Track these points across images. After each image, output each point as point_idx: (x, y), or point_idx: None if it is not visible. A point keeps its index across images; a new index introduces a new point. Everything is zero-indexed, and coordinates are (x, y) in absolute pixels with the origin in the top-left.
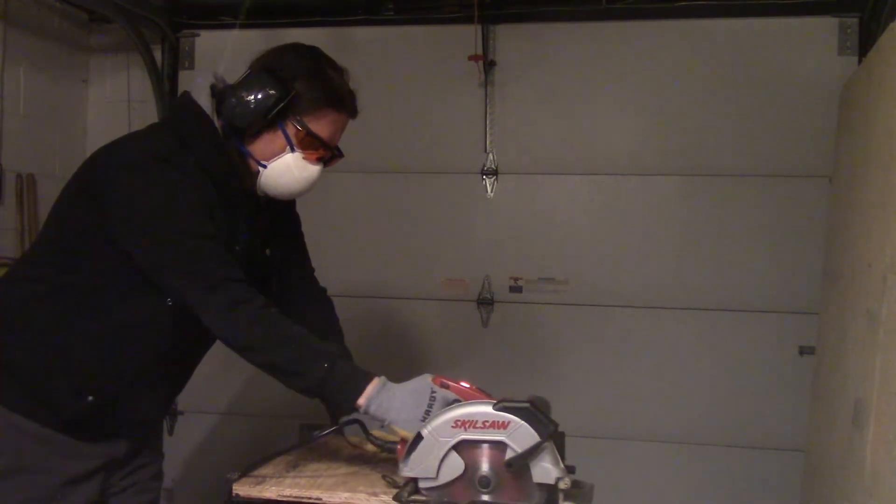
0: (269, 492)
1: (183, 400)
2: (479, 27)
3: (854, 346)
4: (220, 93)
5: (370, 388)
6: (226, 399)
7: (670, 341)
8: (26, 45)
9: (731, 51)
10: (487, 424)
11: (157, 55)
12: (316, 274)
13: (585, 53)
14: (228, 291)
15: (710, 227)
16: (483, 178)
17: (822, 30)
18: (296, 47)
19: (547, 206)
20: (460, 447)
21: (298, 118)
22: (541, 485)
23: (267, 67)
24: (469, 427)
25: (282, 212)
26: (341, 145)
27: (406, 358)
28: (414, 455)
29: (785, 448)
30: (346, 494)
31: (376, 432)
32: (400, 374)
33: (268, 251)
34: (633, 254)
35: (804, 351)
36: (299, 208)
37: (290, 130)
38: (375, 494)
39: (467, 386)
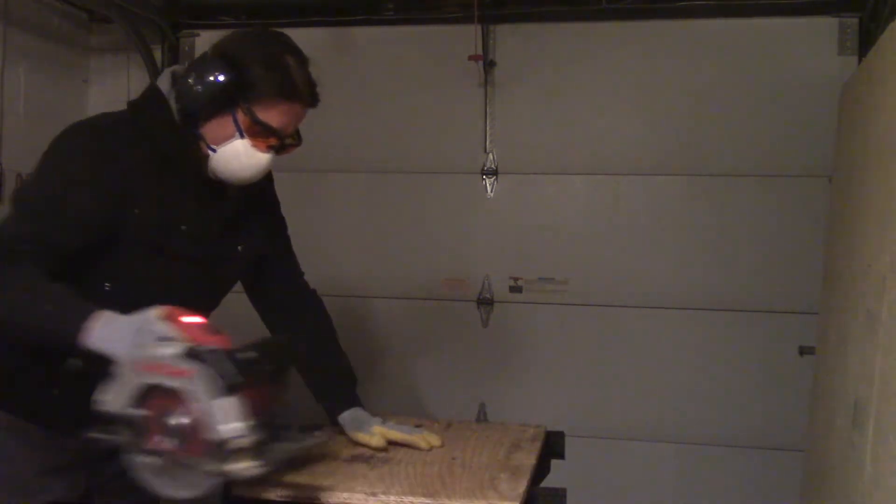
0: (268, 492)
1: None
2: (479, 27)
3: (854, 347)
4: (180, 75)
5: (95, 323)
6: None
7: (670, 341)
8: (26, 45)
9: (731, 51)
10: (173, 370)
11: (157, 55)
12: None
13: (585, 53)
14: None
15: (710, 227)
16: (483, 178)
17: (822, 30)
18: (257, 33)
19: (547, 206)
20: (153, 390)
21: (247, 106)
22: (224, 441)
23: (222, 51)
24: (156, 370)
25: (260, 209)
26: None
27: (406, 358)
28: (112, 387)
29: (785, 448)
30: (345, 495)
31: (360, 436)
32: (400, 373)
33: (240, 247)
34: (633, 254)
35: (804, 351)
36: (299, 207)
37: (240, 117)
38: (374, 495)
39: (198, 322)
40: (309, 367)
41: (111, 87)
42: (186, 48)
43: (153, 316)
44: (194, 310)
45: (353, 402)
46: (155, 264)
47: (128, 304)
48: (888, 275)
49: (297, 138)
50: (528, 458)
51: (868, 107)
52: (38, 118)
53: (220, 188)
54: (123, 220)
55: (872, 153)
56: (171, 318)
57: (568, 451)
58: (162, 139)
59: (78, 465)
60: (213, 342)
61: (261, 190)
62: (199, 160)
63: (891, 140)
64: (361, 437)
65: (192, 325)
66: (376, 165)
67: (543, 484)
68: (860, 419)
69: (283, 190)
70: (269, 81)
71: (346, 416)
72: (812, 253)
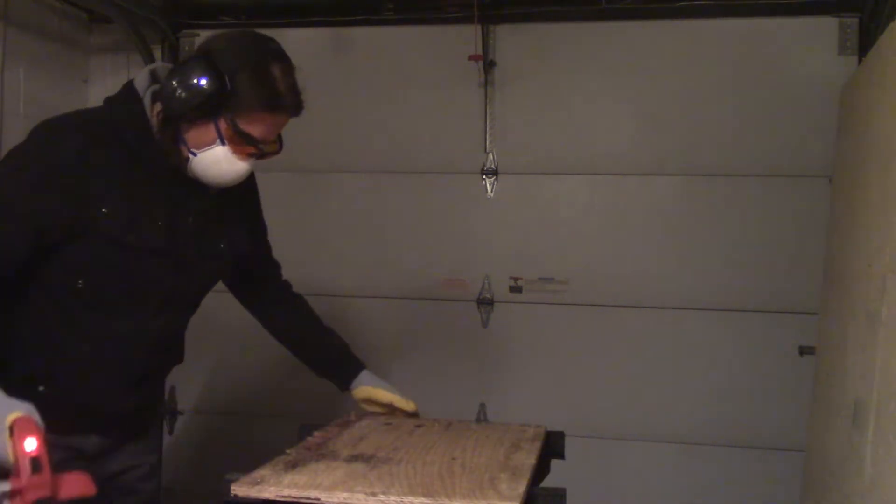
0: (268, 492)
1: (183, 400)
2: (479, 27)
3: (854, 346)
4: (165, 76)
5: None
6: (226, 399)
7: (670, 341)
8: (26, 45)
9: (731, 51)
10: None
11: (158, 55)
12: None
13: (585, 53)
14: None
15: (710, 227)
16: (483, 178)
17: (822, 30)
18: (244, 37)
19: (547, 206)
20: None
21: (230, 117)
22: None
23: (208, 57)
24: None
25: (244, 210)
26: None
27: (406, 358)
28: None
29: (785, 448)
30: (345, 495)
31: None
32: (400, 374)
33: (222, 244)
34: (633, 254)
35: (804, 351)
36: (299, 207)
37: (222, 126)
38: (374, 495)
39: (32, 451)
40: (308, 351)
41: (111, 87)
42: (186, 48)
43: (3, 421)
44: (172, 306)
45: (362, 364)
46: (128, 261)
47: (103, 300)
48: (888, 275)
49: (278, 144)
50: (528, 458)
51: (868, 107)
52: (38, 118)
53: (201, 184)
54: (90, 219)
55: (872, 153)
56: (19, 432)
57: (568, 451)
58: (133, 137)
59: (66, 464)
60: (21, 482)
61: (245, 190)
62: (174, 158)
63: (891, 140)
64: (398, 400)
65: (22, 451)
66: (376, 165)
67: (543, 484)
68: (860, 419)
69: (284, 190)
70: (254, 94)
71: (365, 377)
72: (812, 253)
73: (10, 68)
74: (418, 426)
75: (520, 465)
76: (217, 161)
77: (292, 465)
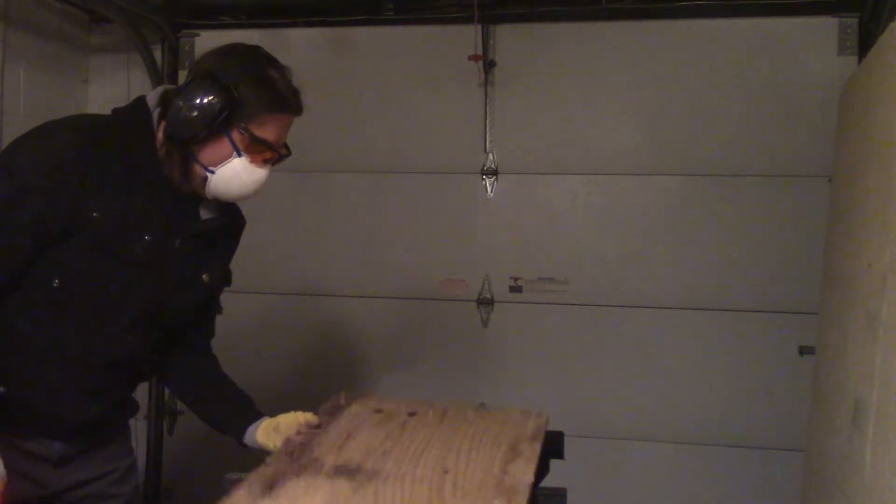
0: None
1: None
2: (479, 27)
3: (854, 346)
4: (167, 97)
5: None
6: None
7: (670, 341)
8: (26, 45)
9: (731, 51)
10: None
11: (157, 55)
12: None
13: (585, 53)
14: None
15: (710, 227)
16: (483, 178)
17: (822, 30)
18: (236, 49)
19: (547, 206)
20: None
21: (243, 125)
22: None
23: (209, 73)
24: None
25: (227, 250)
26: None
27: (406, 358)
28: None
29: (785, 448)
30: None
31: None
32: (400, 373)
33: (205, 276)
34: (633, 254)
35: (804, 351)
36: (299, 207)
37: (236, 137)
38: None
39: None
40: (208, 403)
41: (111, 87)
42: (186, 48)
43: None
44: (142, 325)
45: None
46: (107, 269)
47: (74, 304)
48: (888, 275)
49: (287, 149)
50: (525, 473)
51: (868, 107)
52: (38, 118)
53: (193, 208)
54: (82, 220)
55: (872, 153)
56: None
57: (568, 451)
58: (136, 150)
59: (28, 471)
60: None
61: (233, 233)
62: (185, 180)
63: (890, 140)
64: (300, 414)
65: None
66: (376, 165)
67: (543, 484)
68: (860, 419)
69: (283, 190)
70: (260, 98)
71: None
72: (812, 253)
73: (10, 68)
74: (411, 414)
75: (516, 483)
76: (237, 173)
77: (269, 486)
